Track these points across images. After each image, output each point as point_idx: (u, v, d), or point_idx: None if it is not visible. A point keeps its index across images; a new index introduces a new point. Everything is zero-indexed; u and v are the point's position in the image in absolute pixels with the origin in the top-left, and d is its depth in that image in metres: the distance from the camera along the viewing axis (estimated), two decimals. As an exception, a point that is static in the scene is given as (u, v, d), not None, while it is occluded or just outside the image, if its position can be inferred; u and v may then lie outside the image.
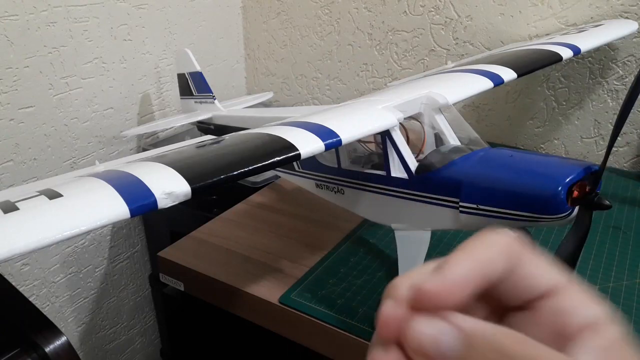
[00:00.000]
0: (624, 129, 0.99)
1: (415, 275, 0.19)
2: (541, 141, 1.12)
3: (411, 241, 0.62)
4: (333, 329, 0.63)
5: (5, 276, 0.82)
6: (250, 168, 0.46)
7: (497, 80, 0.68)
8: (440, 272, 0.18)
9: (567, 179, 0.49)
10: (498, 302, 0.20)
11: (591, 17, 0.98)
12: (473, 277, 0.18)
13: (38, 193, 0.41)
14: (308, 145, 0.50)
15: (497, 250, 0.19)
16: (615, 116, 0.69)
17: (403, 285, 0.19)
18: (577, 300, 0.19)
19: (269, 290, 0.69)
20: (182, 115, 1.12)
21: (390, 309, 0.19)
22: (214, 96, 1.04)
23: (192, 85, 1.08)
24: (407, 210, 0.61)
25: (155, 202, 0.41)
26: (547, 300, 0.19)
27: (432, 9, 1.12)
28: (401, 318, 0.18)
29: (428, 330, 0.18)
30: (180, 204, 0.42)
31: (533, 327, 0.19)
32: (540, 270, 0.19)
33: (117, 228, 1.19)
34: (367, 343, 0.61)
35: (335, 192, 0.72)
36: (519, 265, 0.19)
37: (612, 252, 0.75)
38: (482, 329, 0.17)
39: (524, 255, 0.19)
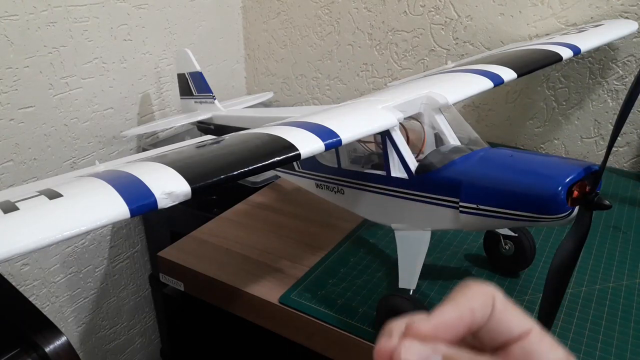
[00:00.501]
0: (624, 129, 1.00)
1: (407, 320, 0.22)
2: (541, 141, 1.12)
3: (411, 241, 0.62)
4: (333, 329, 0.63)
5: (5, 276, 0.83)
6: (250, 168, 0.46)
7: (497, 80, 0.68)
8: (430, 317, 0.22)
9: (567, 179, 0.49)
10: (479, 345, 0.24)
11: (591, 17, 0.98)
12: (457, 324, 0.22)
13: (38, 193, 0.41)
14: (308, 145, 0.50)
15: (478, 301, 0.22)
16: (615, 116, 0.69)
17: (397, 324, 0.22)
18: (544, 345, 0.22)
19: (269, 290, 0.69)
20: (182, 115, 1.12)
21: (385, 341, 0.22)
22: (214, 96, 1.04)
23: (192, 85, 1.08)
24: (407, 210, 0.61)
25: (155, 202, 0.41)
26: (518, 344, 0.22)
27: (432, 9, 1.12)
28: (394, 347, 0.21)
29: (418, 351, 0.21)
30: (180, 204, 0.42)
31: None
32: (513, 317, 0.23)
33: (117, 228, 1.19)
34: (367, 343, 0.61)
35: (335, 192, 0.72)
36: (496, 313, 0.22)
37: (612, 252, 0.75)
38: (461, 356, 0.21)
39: (500, 304, 0.23)
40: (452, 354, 0.21)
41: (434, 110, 0.63)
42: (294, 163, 0.76)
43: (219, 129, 0.99)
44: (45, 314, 0.63)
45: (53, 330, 0.59)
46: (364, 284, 0.70)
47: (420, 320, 0.22)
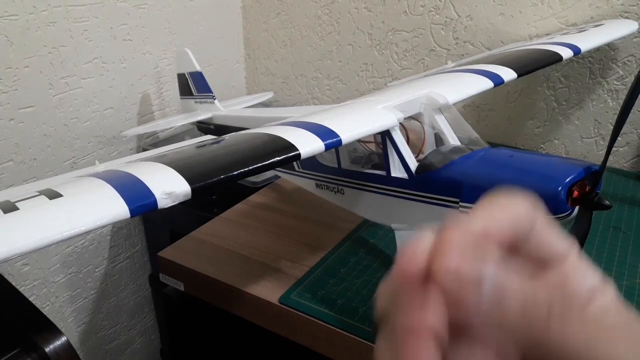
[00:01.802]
0: (624, 128, 0.99)
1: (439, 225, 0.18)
2: (541, 141, 1.12)
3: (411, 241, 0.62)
4: (333, 329, 0.63)
5: (5, 276, 0.82)
6: (250, 168, 0.46)
7: (497, 80, 0.68)
8: (475, 215, 0.17)
9: (568, 179, 0.49)
10: None
11: (591, 17, 0.98)
12: (505, 228, 0.18)
13: (38, 193, 0.41)
14: (308, 145, 0.50)
15: (522, 211, 0.19)
16: (616, 116, 0.69)
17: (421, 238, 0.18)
18: (580, 269, 0.20)
19: (269, 290, 0.69)
20: (182, 115, 1.12)
21: (415, 246, 0.17)
22: (213, 96, 1.04)
23: (192, 85, 1.08)
24: (407, 211, 0.61)
25: (155, 202, 0.41)
26: (553, 267, 0.20)
27: (432, 9, 1.12)
28: (430, 254, 0.17)
29: (472, 265, 0.16)
30: (180, 204, 0.42)
31: None
32: (551, 238, 0.20)
33: (117, 228, 1.19)
34: (367, 343, 0.60)
35: (335, 192, 0.71)
36: (537, 230, 0.19)
37: (612, 252, 0.75)
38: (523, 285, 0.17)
39: (538, 222, 0.19)
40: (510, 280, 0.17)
41: (434, 110, 0.63)
42: (294, 163, 0.76)
43: (219, 129, 0.99)
44: (45, 314, 0.63)
45: (53, 331, 0.59)
46: (364, 284, 0.70)
47: (464, 219, 0.17)
